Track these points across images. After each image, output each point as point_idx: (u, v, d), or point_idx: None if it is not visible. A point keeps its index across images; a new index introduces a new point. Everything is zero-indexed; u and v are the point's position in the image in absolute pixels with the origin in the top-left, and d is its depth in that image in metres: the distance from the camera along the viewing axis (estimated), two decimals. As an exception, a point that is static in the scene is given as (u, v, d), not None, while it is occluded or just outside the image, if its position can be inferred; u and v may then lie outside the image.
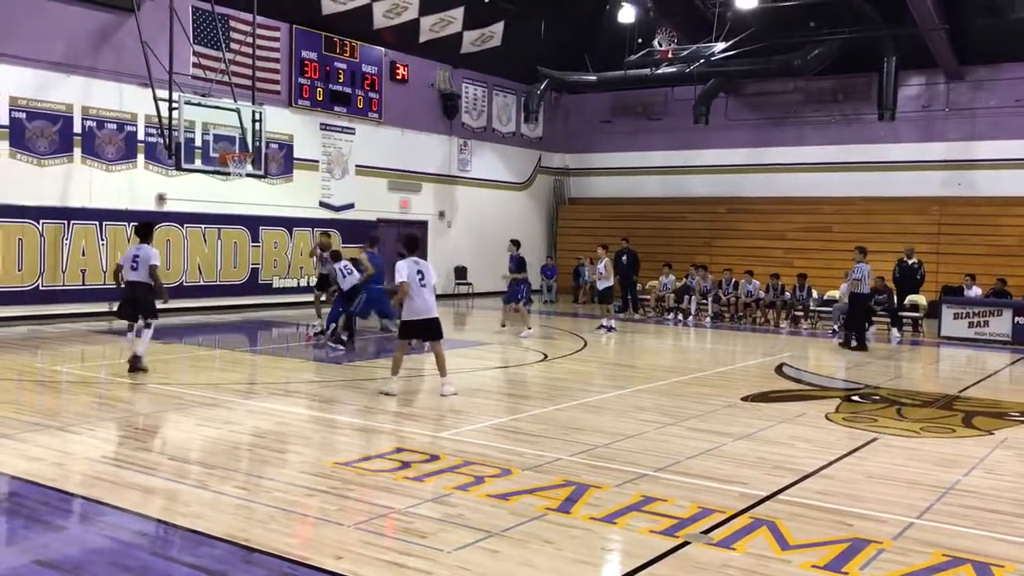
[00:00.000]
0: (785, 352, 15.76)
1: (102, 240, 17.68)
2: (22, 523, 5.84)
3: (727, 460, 7.62)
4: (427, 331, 10.51)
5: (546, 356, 14.26)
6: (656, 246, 25.22)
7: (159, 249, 12.46)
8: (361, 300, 14.92)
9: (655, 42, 24.13)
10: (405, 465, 7.10)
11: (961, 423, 9.63)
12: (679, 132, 27.07)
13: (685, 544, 5.41)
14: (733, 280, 21.54)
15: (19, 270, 16.23)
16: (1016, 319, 17.51)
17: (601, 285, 18.61)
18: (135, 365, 11.25)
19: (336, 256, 15.41)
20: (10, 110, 16.39)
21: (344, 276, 14.71)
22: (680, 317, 21.31)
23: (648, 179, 28.10)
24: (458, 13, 24.43)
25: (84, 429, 8.34)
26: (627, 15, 24.13)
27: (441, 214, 25.70)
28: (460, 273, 26.03)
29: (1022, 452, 8.33)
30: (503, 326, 18.00)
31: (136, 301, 11.32)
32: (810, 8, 22.40)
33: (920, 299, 19.87)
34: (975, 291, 19.14)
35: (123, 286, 11.45)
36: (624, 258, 22.60)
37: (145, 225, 11.85)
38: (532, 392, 11.25)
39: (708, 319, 21.13)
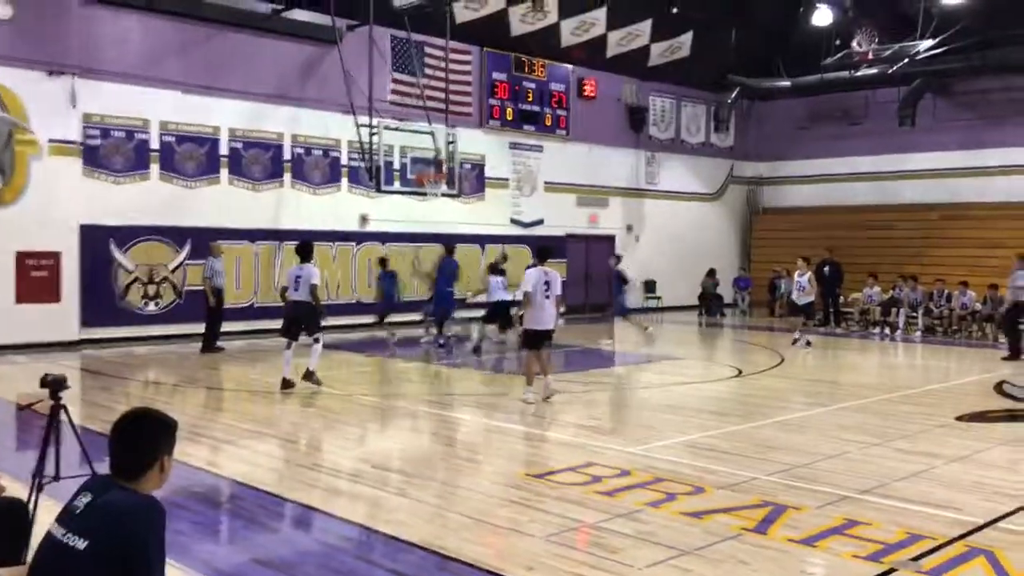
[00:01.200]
0: (1005, 369, 14.57)
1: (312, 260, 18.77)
2: (242, 524, 6.29)
3: (939, 484, 7.12)
4: (542, 341, 10.71)
5: (740, 371, 13.87)
6: (859, 256, 23.96)
7: (360, 267, 13.09)
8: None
9: (854, 43, 23.07)
10: (596, 479, 7.09)
11: None
12: (882, 136, 25.67)
13: (892, 571, 5.10)
14: (946, 292, 20.16)
15: (237, 288, 17.53)
16: None
17: (802, 300, 17.65)
18: (309, 379, 11.37)
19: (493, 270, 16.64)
20: (229, 141, 17.78)
21: (497, 290, 16.07)
22: (887, 331, 20.16)
23: (849, 186, 26.81)
24: (645, 26, 24.33)
25: (296, 436, 8.88)
26: (823, 17, 23.20)
27: (629, 228, 25.60)
28: (649, 287, 25.79)
29: None
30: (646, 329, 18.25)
31: (299, 320, 11.43)
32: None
33: None
34: None
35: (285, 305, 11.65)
36: (826, 269, 21.62)
37: (304, 245, 11.92)
38: (726, 409, 10.97)
39: (918, 333, 19.86)
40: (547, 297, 10.50)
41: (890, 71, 22.77)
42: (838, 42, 23.58)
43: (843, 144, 26.83)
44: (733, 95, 27.02)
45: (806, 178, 28.04)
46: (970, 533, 5.81)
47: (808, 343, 17.06)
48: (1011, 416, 10.29)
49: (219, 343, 15.43)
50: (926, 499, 6.62)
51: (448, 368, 14.39)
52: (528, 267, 11.01)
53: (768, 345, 17.59)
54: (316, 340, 11.54)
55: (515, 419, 9.90)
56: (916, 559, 5.29)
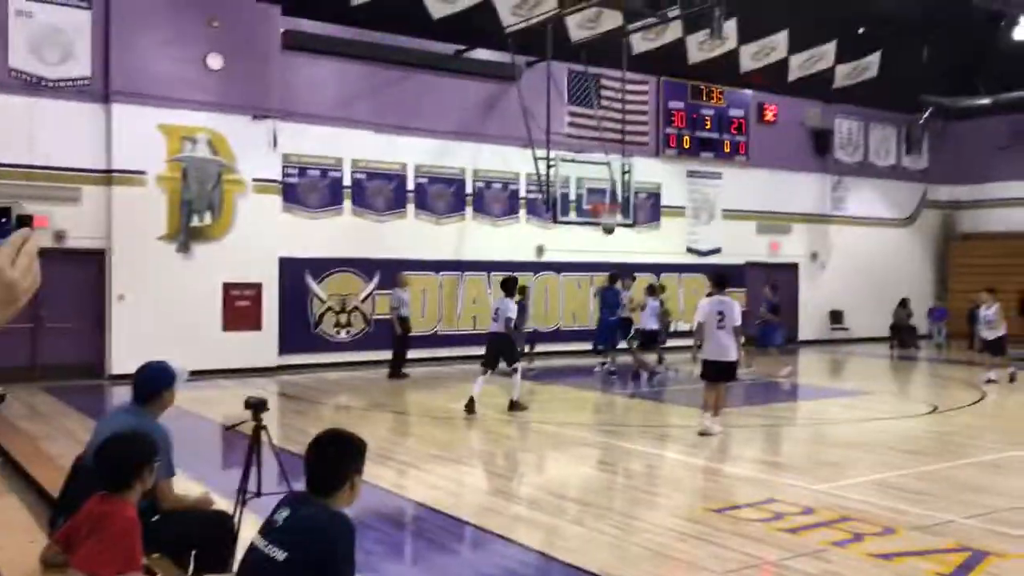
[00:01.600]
0: None
1: (490, 289, 19.30)
2: (425, 545, 6.53)
3: None
4: (718, 373, 10.41)
5: (936, 408, 13.07)
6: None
7: (537, 297, 13.36)
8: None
9: (1061, 56, 21.48)
10: (778, 516, 6.89)
11: None
12: (1096, 154, 23.66)
13: (1112, 630, 4.68)
14: None
15: (422, 317, 18.20)
16: None
17: (990, 335, 16.21)
18: (514, 408, 12.03)
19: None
20: (415, 177, 18.59)
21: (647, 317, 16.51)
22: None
23: (1059, 209, 24.82)
24: (829, 48, 23.56)
25: (476, 462, 9.12)
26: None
27: (814, 255, 24.70)
28: (835, 317, 24.75)
29: None
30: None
31: (500, 351, 12.18)
32: None
33: None
34: None
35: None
36: None
37: (508, 280, 12.60)
38: (920, 447, 10.37)
39: None
40: (721, 327, 10.31)
41: (1104, 84, 20.99)
42: (1043, 55, 22.00)
43: (1051, 164, 24.87)
44: (926, 115, 25.65)
45: (1009, 201, 26.13)
46: None
47: (1007, 378, 15.75)
48: None
49: (405, 370, 16.07)
50: None
51: (623, 397, 14.33)
52: (707, 295, 10.87)
53: (966, 380, 16.48)
54: (515, 370, 12.21)
55: (692, 452, 9.75)
56: None
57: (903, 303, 24.20)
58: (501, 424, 11.54)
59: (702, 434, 10.31)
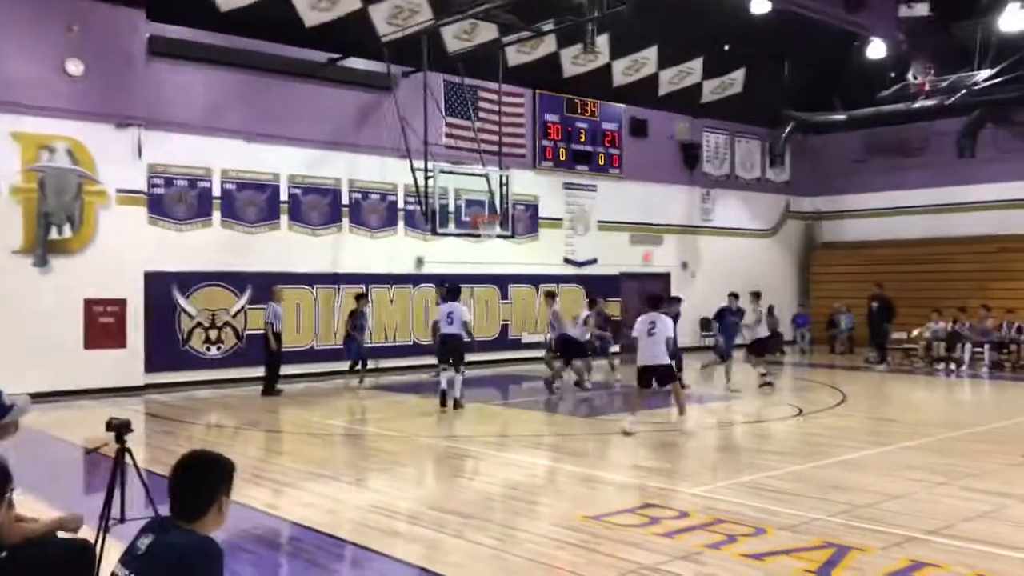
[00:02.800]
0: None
1: (369, 302, 19.05)
2: (301, 566, 6.35)
3: (1010, 524, 6.90)
4: (646, 378, 11.58)
5: (801, 410, 13.64)
6: (921, 291, 23.49)
7: (417, 308, 13.47)
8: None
9: (910, 75, 22.87)
10: (654, 521, 7.02)
11: None
12: (942, 167, 25.22)
13: (963, 616, 4.95)
14: (1016, 324, 19.59)
15: (297, 331, 17.79)
16: None
17: (750, 335, 16.56)
18: (458, 406, 13.34)
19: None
20: (288, 187, 18.19)
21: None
22: (952, 367, 19.67)
23: (909, 219, 26.32)
24: (697, 64, 24.40)
25: (353, 479, 8.95)
26: (877, 50, 23.01)
27: (684, 265, 25.46)
28: (705, 325, 25.52)
29: None
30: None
31: (456, 350, 13.47)
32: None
33: None
34: None
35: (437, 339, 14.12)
36: (874, 304, 21.10)
37: (455, 287, 14.38)
38: (787, 448, 10.78)
39: (985, 369, 19.34)
40: (652, 335, 11.53)
41: (948, 102, 22.47)
42: (893, 74, 23.37)
43: (902, 177, 26.41)
44: (788, 129, 26.87)
45: (864, 212, 27.64)
46: (1044, 576, 5.62)
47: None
48: (1086, 454, 9.93)
49: (279, 386, 15.66)
50: (995, 540, 6.42)
51: (508, 409, 14.38)
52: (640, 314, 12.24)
53: (829, 383, 17.27)
54: (461, 372, 13.44)
55: (571, 460, 9.85)
56: (987, 603, 5.13)
57: (769, 310, 25.16)
58: (379, 439, 11.38)
59: (626, 434, 10.99)
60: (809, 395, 15.66)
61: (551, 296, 17.43)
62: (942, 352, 20.29)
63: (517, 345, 21.48)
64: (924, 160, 25.95)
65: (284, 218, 18.11)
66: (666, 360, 11.55)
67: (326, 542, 6.68)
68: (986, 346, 19.60)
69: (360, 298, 17.26)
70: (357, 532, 6.90)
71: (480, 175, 18.23)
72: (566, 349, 15.68)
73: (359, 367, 16.79)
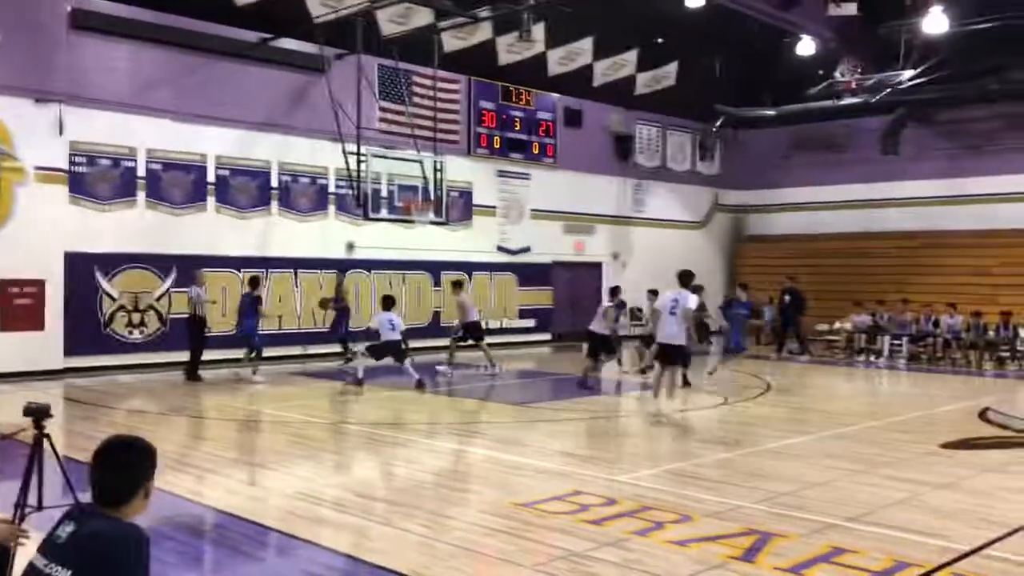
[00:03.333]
0: (989, 396, 14.64)
1: (296, 287, 18.78)
2: (226, 553, 6.23)
3: (925, 511, 7.13)
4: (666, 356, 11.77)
5: (727, 399, 13.89)
6: (844, 284, 24.12)
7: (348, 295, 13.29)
8: None
9: (837, 73, 23.40)
10: (583, 508, 7.07)
11: None
12: (866, 164, 25.92)
13: (880, 600, 5.09)
14: (933, 317, 20.24)
15: (223, 315, 17.44)
16: None
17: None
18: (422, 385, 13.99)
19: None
20: (216, 168, 17.79)
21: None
22: (872, 359, 20.25)
23: (834, 214, 26.98)
24: (632, 56, 24.59)
25: (279, 466, 8.82)
26: (806, 47, 23.48)
27: (615, 255, 25.68)
28: (635, 315, 25.79)
29: None
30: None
31: (399, 352, 14.08)
32: (1002, 30, 20.88)
33: None
34: None
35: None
36: (787, 297, 21.59)
37: (390, 298, 15.28)
38: (712, 436, 10.97)
39: (903, 361, 19.95)
40: (672, 314, 11.64)
41: (873, 100, 23.05)
42: (822, 72, 23.87)
43: (827, 172, 27.07)
44: (718, 124, 27.27)
45: (791, 206, 28.25)
46: (956, 560, 5.81)
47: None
48: (997, 443, 10.32)
49: (200, 372, 15.30)
50: (912, 526, 6.62)
51: (437, 396, 14.34)
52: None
53: (754, 372, 17.62)
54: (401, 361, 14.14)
55: (499, 447, 9.87)
56: (903, 587, 5.28)
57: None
58: (306, 427, 11.24)
59: (657, 418, 11.34)
60: (734, 384, 15.95)
61: (458, 285, 17.69)
62: (863, 344, 20.85)
63: (448, 332, 21.40)
64: (849, 156, 26.62)
65: (211, 200, 17.73)
66: (681, 341, 11.67)
67: (251, 530, 6.57)
68: (904, 338, 20.20)
69: (254, 281, 16.11)
70: (283, 520, 6.80)
71: (414, 160, 18.10)
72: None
73: (253, 355, 15.48)
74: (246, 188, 18.22)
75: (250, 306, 15.70)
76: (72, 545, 2.97)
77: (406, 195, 18.59)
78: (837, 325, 22.01)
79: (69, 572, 2.91)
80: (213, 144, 17.70)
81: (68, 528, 3.03)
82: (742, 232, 29.48)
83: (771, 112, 26.08)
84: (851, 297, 22.31)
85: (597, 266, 25.03)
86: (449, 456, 9.42)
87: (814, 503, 7.32)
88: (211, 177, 17.73)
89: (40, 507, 5.03)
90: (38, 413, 5.09)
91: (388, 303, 14.91)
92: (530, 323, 23.32)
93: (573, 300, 24.27)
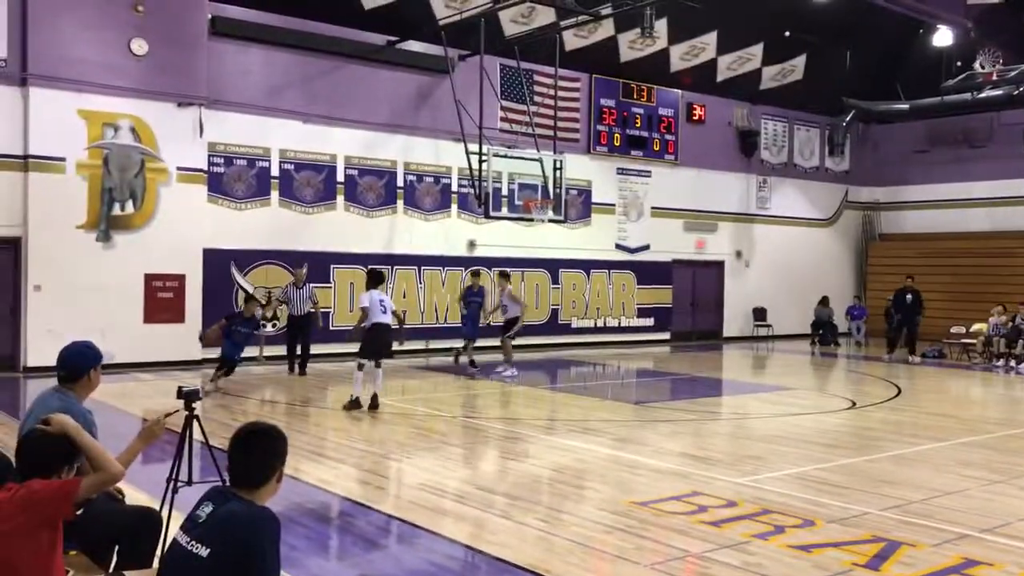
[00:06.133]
0: None
1: (420, 283, 19.21)
2: (351, 540, 6.47)
3: (1069, 526, 6.76)
4: None
5: (854, 403, 13.46)
6: (981, 285, 22.95)
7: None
8: None
9: (976, 64, 22.29)
10: (701, 509, 7.01)
11: None
12: (1008, 160, 24.55)
13: (1015, 616, 4.88)
14: (1077, 321, 19.07)
15: (350, 311, 17.98)
16: None
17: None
18: (375, 404, 11.72)
19: None
20: (345, 168, 18.38)
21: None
22: (1012, 363, 19.22)
23: (971, 212, 25.70)
24: (757, 50, 24.05)
25: (404, 457, 9.07)
26: (943, 38, 22.43)
27: (738, 254, 25.19)
28: (759, 315, 25.28)
29: None
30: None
31: (388, 343, 12.13)
32: None
33: None
34: None
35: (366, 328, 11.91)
36: (908, 297, 20.60)
37: (375, 272, 12.51)
38: (839, 441, 10.66)
39: (1046, 366, 18.84)
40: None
41: (1016, 92, 21.84)
42: (959, 64, 22.78)
43: (964, 168, 25.79)
44: (848, 118, 26.39)
45: (925, 203, 27.05)
46: (1102, 579, 5.50)
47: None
48: None
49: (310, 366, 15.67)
50: (1053, 541, 6.30)
51: (556, 393, 14.42)
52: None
53: (884, 377, 17.01)
54: (379, 365, 11.96)
55: (619, 446, 9.86)
56: (1041, 603, 5.04)
57: (824, 301, 24.85)
58: (428, 419, 11.50)
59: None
60: (863, 388, 15.44)
61: (505, 277, 16.49)
62: (1002, 348, 19.80)
63: (567, 330, 21.51)
64: (989, 152, 25.28)
65: (340, 198, 18.33)
66: None
67: (375, 518, 6.79)
68: (1049, 343, 19.06)
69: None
70: (406, 509, 7.00)
71: (534, 159, 18.24)
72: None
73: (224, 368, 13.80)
74: (373, 187, 18.75)
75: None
76: (210, 525, 3.17)
77: (526, 193, 18.77)
78: (975, 328, 20.97)
79: (208, 549, 3.10)
80: (342, 145, 18.28)
81: (207, 508, 3.24)
82: (873, 230, 28.42)
83: (904, 106, 25.05)
84: (988, 299, 21.18)
85: (719, 264, 24.63)
86: (567, 453, 9.48)
87: (946, 512, 7.04)
88: (340, 176, 18.32)
89: (190, 482, 5.34)
90: (190, 396, 5.42)
91: (377, 279, 12.30)
92: (649, 322, 23.14)
93: (693, 299, 23.98)
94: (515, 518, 6.75)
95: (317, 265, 17.20)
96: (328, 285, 17.96)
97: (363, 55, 18.31)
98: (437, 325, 19.41)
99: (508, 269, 17.59)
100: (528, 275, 20.81)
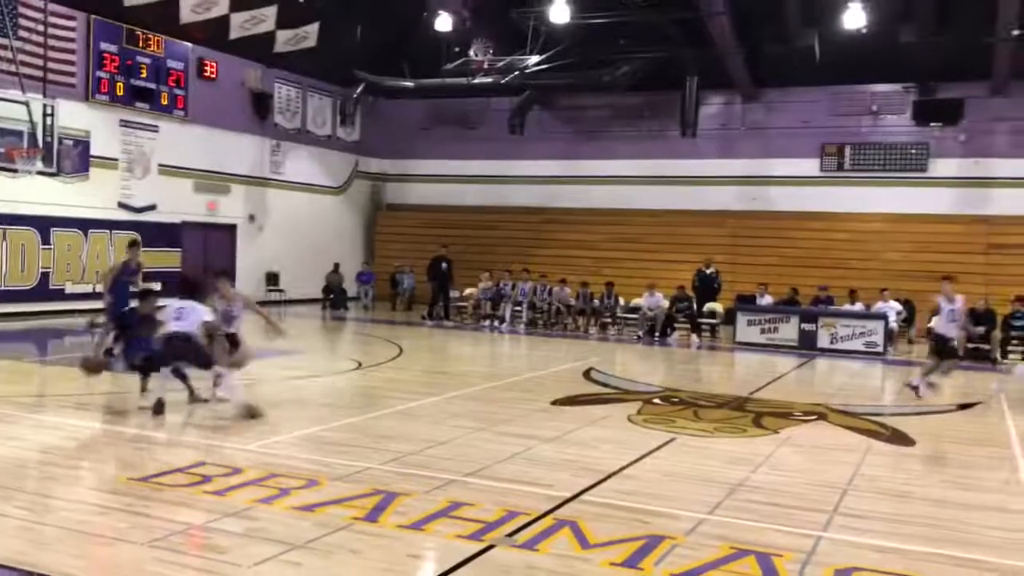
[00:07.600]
0: (593, 357, 16.31)
1: None
2: None
3: (535, 463, 7.80)
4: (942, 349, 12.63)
5: (360, 364, 14.11)
6: (475, 253, 25.44)
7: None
8: None
9: (471, 52, 24.43)
10: (206, 479, 6.82)
11: (752, 423, 10.29)
12: (496, 142, 27.43)
13: (490, 548, 5.49)
14: (548, 287, 22.07)
15: None
16: (802, 325, 18.84)
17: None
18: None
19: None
20: None
21: None
22: (496, 324, 21.64)
23: (466, 187, 28.30)
24: (271, 11, 23.79)
25: None
26: (444, 23, 24.20)
27: (251, 217, 24.90)
28: (272, 279, 25.30)
29: (802, 449, 9.01)
30: None
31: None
32: (619, 26, 23.17)
33: (717, 307, 21.13)
34: (767, 299, 20.54)
35: None
36: (444, 265, 22.64)
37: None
38: (344, 401, 11.10)
39: (522, 326, 21.56)
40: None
41: (503, 81, 24.40)
42: (458, 49, 24.80)
43: (461, 147, 28.32)
44: (359, 90, 27.36)
45: (427, 177, 29.22)
46: (558, 507, 6.42)
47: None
48: (597, 399, 11.54)
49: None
50: (523, 478, 7.21)
51: (46, 367, 13.01)
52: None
53: (389, 338, 18.08)
54: None
55: (120, 421, 9.22)
56: (512, 534, 5.74)
57: (335, 267, 25.67)
58: None
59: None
60: (369, 349, 16.26)
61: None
62: (488, 310, 22.22)
63: (59, 296, 19.51)
64: (481, 133, 28.03)
65: None
66: (952, 334, 12.38)
67: None
68: (524, 305, 21.82)
69: None
70: None
71: (19, 102, 16.14)
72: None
73: None
74: None
75: None
76: None
77: (8, 140, 16.51)
78: (467, 292, 23.21)
79: None
80: None
81: None
82: (380, 200, 29.96)
83: (409, 83, 26.63)
84: (479, 266, 23.61)
85: (232, 227, 24.12)
86: (57, 431, 8.60)
87: (437, 461, 7.69)
88: None
89: None
90: None
91: (189, 290, 10.25)
92: (156, 286, 21.85)
93: (205, 263, 23.20)
94: (-12, 509, 5.96)
95: None
96: None
97: None
98: None
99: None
100: (12, 233, 18.44)
